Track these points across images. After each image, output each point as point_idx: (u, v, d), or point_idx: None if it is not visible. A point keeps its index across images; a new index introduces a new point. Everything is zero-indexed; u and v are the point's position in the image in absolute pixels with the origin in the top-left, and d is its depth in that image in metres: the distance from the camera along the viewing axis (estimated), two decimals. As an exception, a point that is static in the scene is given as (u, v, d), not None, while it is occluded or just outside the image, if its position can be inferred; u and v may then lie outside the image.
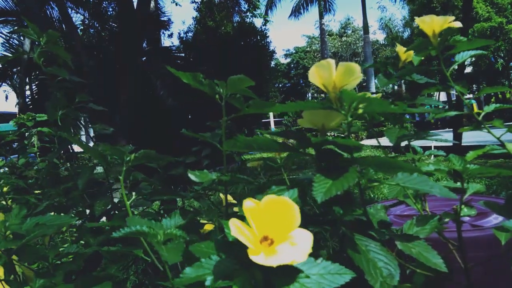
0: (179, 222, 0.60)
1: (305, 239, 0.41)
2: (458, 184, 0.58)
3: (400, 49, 0.79)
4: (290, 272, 0.41)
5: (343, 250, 0.52)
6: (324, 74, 0.52)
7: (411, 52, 0.76)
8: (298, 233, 0.41)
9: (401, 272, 0.49)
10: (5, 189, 1.13)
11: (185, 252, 0.52)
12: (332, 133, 0.67)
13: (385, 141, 0.74)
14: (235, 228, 0.39)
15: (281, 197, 0.42)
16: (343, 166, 0.50)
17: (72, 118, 1.10)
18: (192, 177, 0.66)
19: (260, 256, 0.38)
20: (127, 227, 0.53)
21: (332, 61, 0.51)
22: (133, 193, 0.79)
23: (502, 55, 17.34)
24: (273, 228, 0.42)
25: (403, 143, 0.74)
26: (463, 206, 0.63)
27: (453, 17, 0.67)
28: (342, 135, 0.64)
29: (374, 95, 0.79)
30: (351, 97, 0.49)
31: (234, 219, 0.41)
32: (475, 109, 0.72)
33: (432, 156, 0.82)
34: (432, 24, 0.68)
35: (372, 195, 3.26)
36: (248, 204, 0.42)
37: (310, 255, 0.41)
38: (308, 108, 0.58)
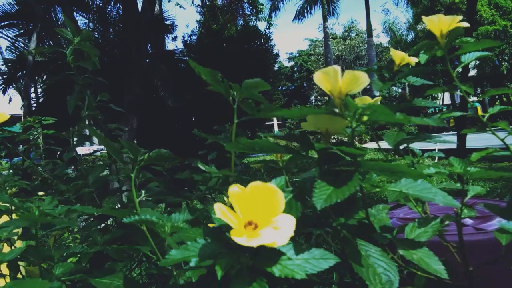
0: (187, 217, 0.61)
1: (288, 223, 0.42)
2: (458, 185, 0.58)
3: (394, 53, 0.79)
4: (273, 255, 0.43)
5: (344, 253, 0.52)
6: (330, 81, 0.52)
7: (405, 55, 0.77)
8: (282, 218, 0.43)
9: (402, 274, 0.49)
10: (14, 189, 1.14)
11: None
12: (336, 136, 0.67)
13: (386, 144, 0.74)
14: (219, 211, 0.40)
15: (266, 184, 0.43)
16: (345, 172, 0.50)
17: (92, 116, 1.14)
18: (201, 166, 0.68)
19: (242, 238, 0.40)
20: (137, 215, 0.54)
21: (338, 68, 0.51)
22: (142, 191, 0.80)
23: (506, 58, 17.26)
24: (257, 213, 0.43)
25: (406, 146, 0.74)
26: (463, 208, 0.63)
27: (461, 17, 0.66)
28: (346, 139, 0.64)
29: (376, 97, 0.79)
30: (356, 106, 0.50)
31: (219, 203, 0.42)
32: (480, 112, 0.71)
33: (436, 158, 0.83)
34: (440, 23, 0.67)
35: (375, 198, 3.25)
36: (234, 189, 0.43)
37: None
38: (313, 114, 0.58)
